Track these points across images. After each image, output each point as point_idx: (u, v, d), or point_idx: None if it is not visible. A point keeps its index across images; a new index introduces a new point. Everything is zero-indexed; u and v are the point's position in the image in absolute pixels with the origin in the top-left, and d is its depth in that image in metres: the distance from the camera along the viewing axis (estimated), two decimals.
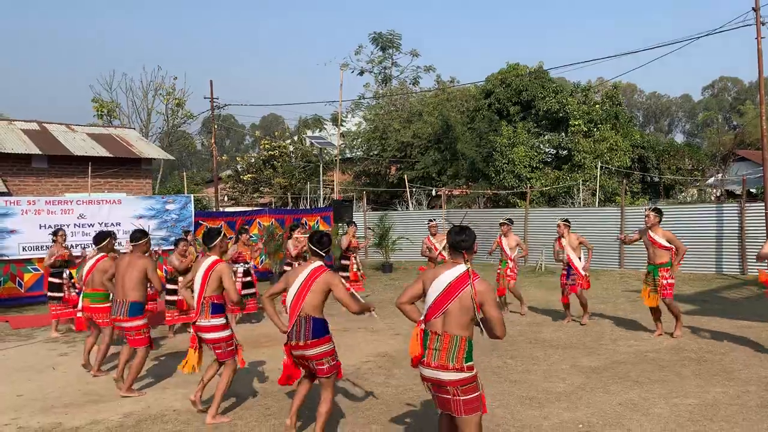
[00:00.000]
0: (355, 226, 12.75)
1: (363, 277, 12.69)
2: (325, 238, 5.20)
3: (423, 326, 4.03)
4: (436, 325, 3.96)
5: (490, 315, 3.95)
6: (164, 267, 11.88)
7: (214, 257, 5.91)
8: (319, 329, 4.93)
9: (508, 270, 10.88)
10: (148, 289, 10.14)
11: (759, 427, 5.22)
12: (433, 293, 4.01)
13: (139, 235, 7.03)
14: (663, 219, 8.90)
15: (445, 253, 11.69)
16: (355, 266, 12.06)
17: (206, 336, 5.79)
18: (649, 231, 8.72)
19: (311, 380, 5.17)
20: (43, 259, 11.09)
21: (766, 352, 7.70)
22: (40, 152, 17.71)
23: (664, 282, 8.59)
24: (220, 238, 5.99)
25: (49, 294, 10.22)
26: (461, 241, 4.06)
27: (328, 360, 4.96)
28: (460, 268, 4.00)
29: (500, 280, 10.94)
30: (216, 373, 5.93)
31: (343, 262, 12.18)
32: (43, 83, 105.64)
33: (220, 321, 5.80)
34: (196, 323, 5.80)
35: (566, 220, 10.28)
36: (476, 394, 3.93)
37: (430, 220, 12.01)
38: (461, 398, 3.88)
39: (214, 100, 25.60)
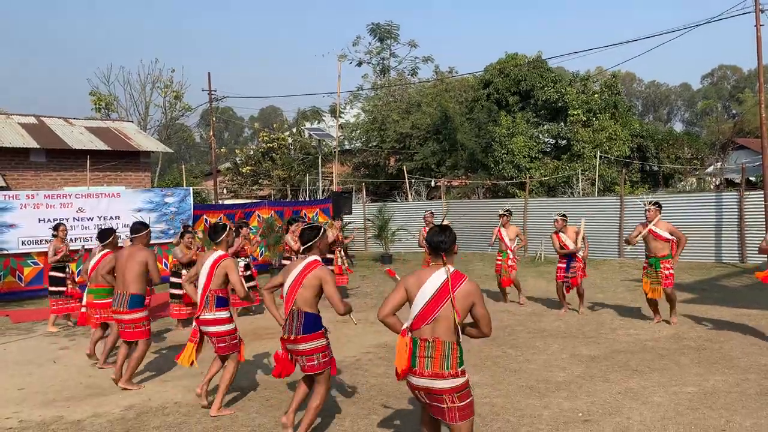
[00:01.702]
0: (341, 220, 12.80)
1: (349, 271, 12.70)
2: (305, 232, 5.11)
3: (409, 335, 3.83)
4: (426, 332, 3.79)
5: (480, 314, 3.87)
6: (163, 260, 11.92)
7: (220, 252, 5.93)
8: (310, 324, 4.86)
9: (509, 261, 10.87)
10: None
11: (758, 415, 5.24)
12: (421, 300, 3.82)
13: (139, 227, 7.03)
14: (663, 208, 8.91)
15: None
16: (339, 260, 12.10)
17: (211, 329, 5.79)
18: (650, 225, 8.71)
19: (311, 381, 5.07)
20: (43, 253, 11.10)
21: (766, 340, 7.73)
22: (38, 146, 17.69)
23: (666, 273, 8.62)
24: (226, 233, 6.01)
25: (50, 288, 10.16)
26: (440, 242, 3.88)
27: (318, 356, 4.86)
28: (444, 272, 3.85)
29: (501, 271, 10.94)
30: (220, 368, 5.94)
31: (328, 255, 12.20)
32: (41, 77, 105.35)
33: (225, 314, 5.82)
34: (200, 317, 5.81)
35: (563, 215, 10.28)
36: (470, 399, 3.83)
37: (426, 212, 12.11)
38: (457, 405, 3.75)
39: (213, 92, 25.54)
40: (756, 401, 5.57)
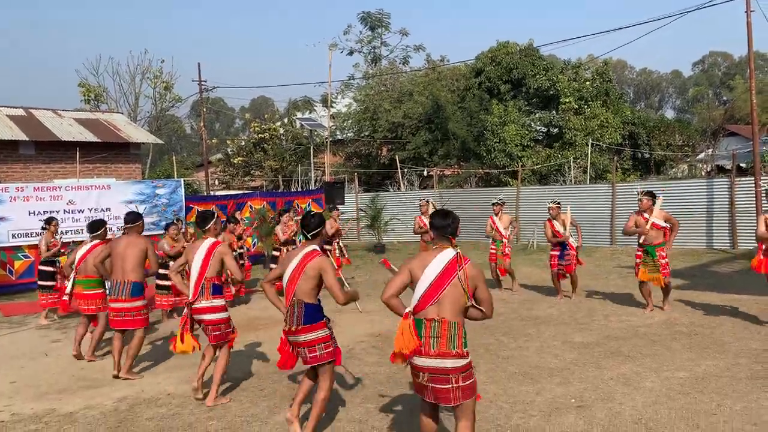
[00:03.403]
0: (338, 210, 12.78)
1: (347, 262, 12.68)
2: (311, 219, 5.00)
3: (411, 318, 3.87)
4: (431, 312, 3.84)
5: (483, 297, 3.94)
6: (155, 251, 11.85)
7: (212, 239, 5.94)
8: (311, 315, 4.78)
9: (506, 249, 10.88)
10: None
11: (748, 398, 5.28)
12: (425, 281, 3.88)
13: (134, 217, 7.00)
14: (656, 197, 8.87)
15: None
16: (337, 251, 12.10)
17: (206, 317, 5.77)
18: (644, 214, 8.69)
19: (315, 375, 4.96)
20: (33, 246, 11.06)
21: (757, 323, 7.78)
22: (27, 138, 17.54)
23: (663, 261, 8.60)
24: (214, 220, 6.01)
25: (40, 282, 10.12)
26: (447, 226, 4.00)
27: (320, 347, 4.78)
28: (450, 253, 3.94)
29: (496, 260, 10.95)
30: (212, 358, 5.92)
31: (326, 246, 12.20)
32: (28, 68, 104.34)
33: (221, 302, 5.84)
34: (194, 305, 5.77)
35: (557, 202, 10.29)
36: (473, 379, 3.87)
37: (421, 200, 12.08)
38: (461, 384, 3.78)
39: (203, 83, 25.35)
40: (746, 385, 5.61)
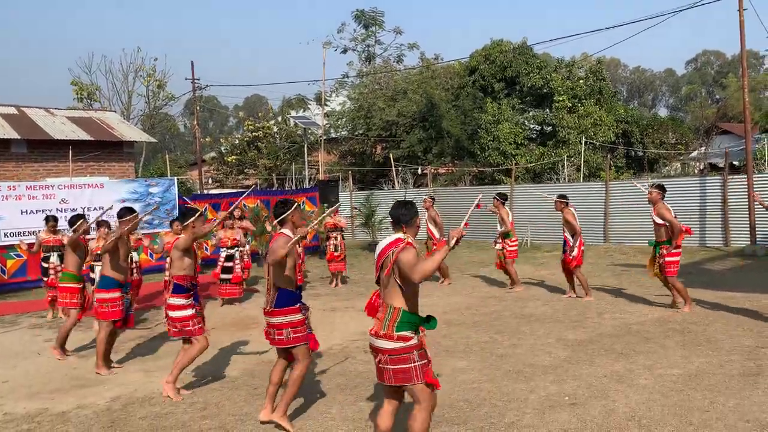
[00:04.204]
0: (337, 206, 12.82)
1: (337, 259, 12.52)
2: (277, 207, 5.17)
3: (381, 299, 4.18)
4: (381, 294, 4.14)
5: (404, 264, 3.89)
6: (148, 251, 11.80)
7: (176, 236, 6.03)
8: (282, 300, 4.99)
9: (511, 244, 10.89)
10: (135, 274, 10.06)
11: (741, 395, 5.30)
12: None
13: (124, 212, 6.98)
14: (666, 191, 8.78)
15: (434, 232, 11.72)
16: (331, 246, 12.13)
17: (171, 314, 5.92)
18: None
19: (285, 359, 5.14)
20: (27, 245, 11.08)
21: (750, 321, 7.81)
22: (19, 137, 17.41)
23: (663, 260, 8.49)
24: (194, 217, 5.97)
25: (43, 278, 10.46)
26: (401, 215, 4.16)
27: (288, 331, 4.96)
28: (391, 237, 4.13)
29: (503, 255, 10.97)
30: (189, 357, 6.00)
31: (332, 237, 12.27)
32: (20, 66, 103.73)
33: (179, 301, 5.88)
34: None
35: (563, 196, 10.35)
36: (407, 365, 3.93)
37: (426, 197, 12.37)
38: (390, 367, 3.95)
39: (196, 81, 25.28)
40: (739, 382, 5.63)
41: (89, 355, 7.49)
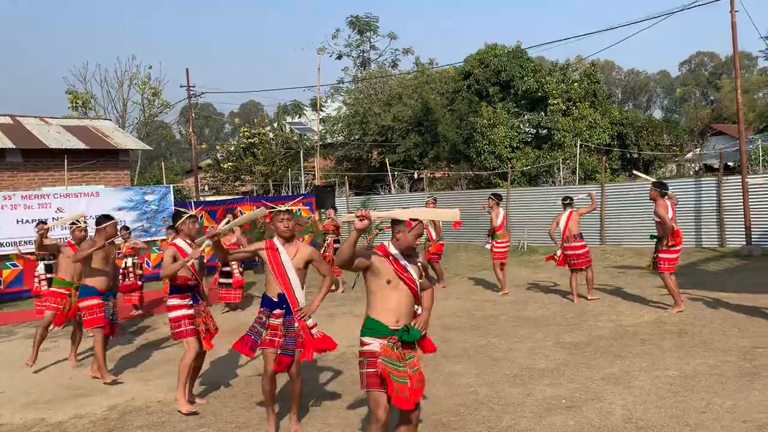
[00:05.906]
0: (334, 209, 12.87)
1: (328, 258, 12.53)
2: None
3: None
4: None
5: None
6: (145, 258, 11.79)
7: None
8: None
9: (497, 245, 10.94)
10: (131, 278, 10.07)
11: (737, 396, 5.31)
12: None
13: (101, 219, 6.98)
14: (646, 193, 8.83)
15: (432, 232, 11.72)
16: (323, 248, 12.18)
17: (168, 315, 6.03)
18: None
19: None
20: (22, 254, 11.19)
21: (746, 321, 7.82)
22: (14, 146, 17.38)
23: (657, 256, 8.55)
24: (181, 220, 5.95)
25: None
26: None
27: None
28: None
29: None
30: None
31: (336, 240, 12.31)
32: (15, 76, 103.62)
33: (174, 301, 5.90)
34: None
35: (569, 198, 10.49)
36: (359, 370, 3.99)
37: (429, 198, 12.57)
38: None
39: (191, 88, 25.30)
40: (735, 383, 5.64)
41: (86, 364, 7.48)
